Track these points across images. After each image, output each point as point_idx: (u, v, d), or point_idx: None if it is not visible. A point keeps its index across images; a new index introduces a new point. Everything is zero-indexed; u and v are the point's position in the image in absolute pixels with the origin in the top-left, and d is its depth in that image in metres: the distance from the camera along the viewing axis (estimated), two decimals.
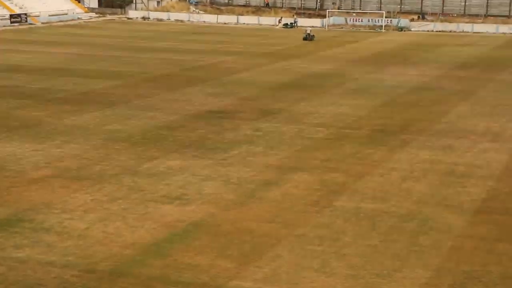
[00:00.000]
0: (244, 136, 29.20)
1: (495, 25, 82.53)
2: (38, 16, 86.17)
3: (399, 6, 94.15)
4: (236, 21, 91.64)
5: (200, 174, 23.62)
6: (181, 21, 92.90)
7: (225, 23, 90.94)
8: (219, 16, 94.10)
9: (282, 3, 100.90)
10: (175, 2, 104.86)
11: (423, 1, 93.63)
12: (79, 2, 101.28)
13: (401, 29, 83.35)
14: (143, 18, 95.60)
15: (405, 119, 33.13)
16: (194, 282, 15.63)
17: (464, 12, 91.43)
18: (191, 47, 62.48)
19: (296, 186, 22.62)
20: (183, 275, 15.94)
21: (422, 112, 34.88)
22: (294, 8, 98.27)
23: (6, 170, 23.82)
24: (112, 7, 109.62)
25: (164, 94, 38.72)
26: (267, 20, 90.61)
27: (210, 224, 19.11)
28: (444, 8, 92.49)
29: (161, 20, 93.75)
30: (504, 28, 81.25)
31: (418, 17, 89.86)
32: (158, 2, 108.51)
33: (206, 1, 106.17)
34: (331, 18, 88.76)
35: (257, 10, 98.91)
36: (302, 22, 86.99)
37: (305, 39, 70.37)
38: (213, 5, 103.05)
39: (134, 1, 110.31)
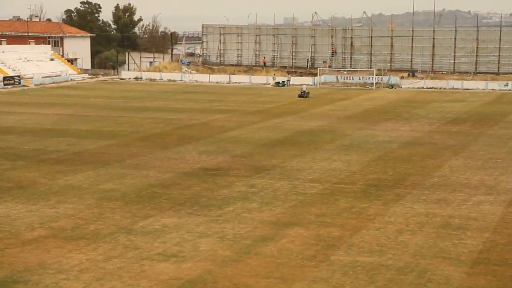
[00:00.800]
0: (238, 193, 29.18)
1: (484, 82, 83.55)
2: (32, 78, 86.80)
3: (389, 64, 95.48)
4: (228, 80, 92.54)
5: (196, 231, 23.52)
6: (174, 81, 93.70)
7: (217, 82, 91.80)
8: (211, 75, 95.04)
9: (274, 62, 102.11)
10: (167, 63, 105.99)
11: (412, 59, 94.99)
12: (72, 63, 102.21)
13: (391, 86, 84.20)
14: (136, 78, 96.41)
15: (399, 173, 33.25)
16: None
17: (454, 69, 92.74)
18: (183, 106, 62.88)
19: (292, 241, 22.53)
20: None
21: (415, 166, 35.03)
22: (285, 67, 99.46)
23: (0, 232, 23.66)
24: (105, 68, 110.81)
25: (158, 152, 38.79)
26: (259, 79, 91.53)
27: (207, 281, 18.95)
28: (433, 65, 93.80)
29: (153, 80, 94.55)
30: (493, 85, 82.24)
31: (408, 74, 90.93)
32: (150, 63, 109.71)
33: (198, 61, 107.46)
34: (322, 76, 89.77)
35: (249, 69, 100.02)
36: (294, 80, 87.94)
37: (300, 96, 71.34)
38: (205, 65, 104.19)
39: (126, 62, 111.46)
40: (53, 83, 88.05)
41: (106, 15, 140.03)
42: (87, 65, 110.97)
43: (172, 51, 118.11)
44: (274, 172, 33.60)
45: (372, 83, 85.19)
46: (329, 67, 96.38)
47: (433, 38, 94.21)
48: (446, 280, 19.04)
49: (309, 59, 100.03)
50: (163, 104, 65.22)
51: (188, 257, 20.88)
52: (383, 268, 19.96)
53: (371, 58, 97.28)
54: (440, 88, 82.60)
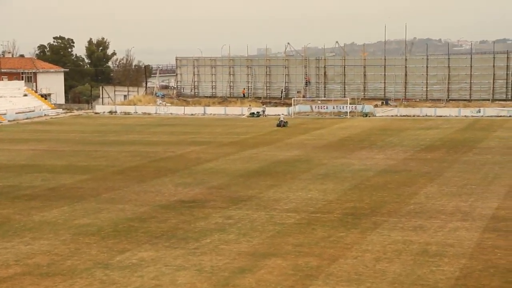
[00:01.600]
0: (215, 224, 29.08)
1: (457, 109, 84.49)
2: (5, 114, 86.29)
3: (362, 93, 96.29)
4: (203, 112, 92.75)
5: (173, 264, 23.37)
6: (148, 113, 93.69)
7: (192, 114, 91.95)
8: (186, 107, 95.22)
9: (248, 93, 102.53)
10: (141, 96, 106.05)
11: (386, 87, 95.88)
12: (45, 99, 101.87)
13: (365, 114, 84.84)
14: (110, 112, 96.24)
15: (375, 201, 33.37)
16: None
17: (426, 97, 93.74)
18: (159, 139, 62.81)
19: (270, 272, 22.46)
20: None
21: (391, 194, 35.19)
22: (259, 98, 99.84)
23: None
24: (79, 102, 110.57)
25: (134, 186, 38.62)
26: (234, 110, 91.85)
27: None
28: (406, 93, 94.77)
29: (128, 113, 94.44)
30: (466, 111, 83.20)
31: (382, 102, 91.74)
32: (124, 96, 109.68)
33: (173, 94, 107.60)
34: (297, 106, 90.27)
35: (224, 101, 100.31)
36: (269, 111, 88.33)
37: (278, 125, 71.82)
38: (180, 97, 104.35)
39: (101, 96, 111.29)
40: (27, 118, 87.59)
41: (79, 50, 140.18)
42: (61, 100, 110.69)
43: (146, 84, 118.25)
44: (251, 203, 33.56)
45: (346, 112, 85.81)
46: (303, 97, 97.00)
47: (405, 66, 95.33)
48: None
49: (283, 89, 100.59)
50: (138, 137, 65.09)
51: None
52: None
53: (344, 87, 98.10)
54: (414, 116, 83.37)
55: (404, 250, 24.75)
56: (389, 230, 27.58)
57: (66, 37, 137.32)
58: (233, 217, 30.49)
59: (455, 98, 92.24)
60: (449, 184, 37.75)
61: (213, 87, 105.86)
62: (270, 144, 57.68)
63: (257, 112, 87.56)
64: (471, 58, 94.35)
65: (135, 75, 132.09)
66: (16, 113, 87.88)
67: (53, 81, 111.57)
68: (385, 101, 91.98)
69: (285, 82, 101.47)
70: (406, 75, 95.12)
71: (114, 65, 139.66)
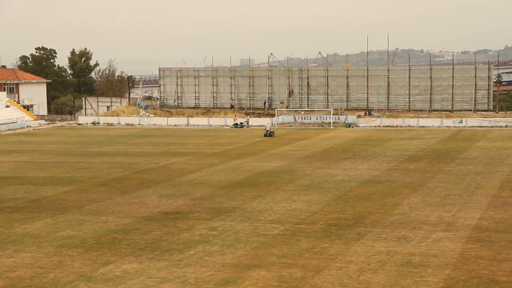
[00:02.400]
0: (199, 236, 29.00)
1: (439, 119, 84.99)
2: None
3: (345, 103, 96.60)
4: (186, 123, 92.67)
5: (157, 277, 23.27)
6: (132, 124, 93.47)
7: (175, 125, 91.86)
8: (169, 118, 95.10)
9: (232, 104, 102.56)
10: (124, 107, 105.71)
11: (368, 98, 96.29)
12: (28, 110, 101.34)
13: (349, 125, 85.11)
14: (93, 123, 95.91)
15: (359, 212, 33.43)
16: None
17: (409, 107, 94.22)
18: (142, 150, 62.63)
19: (255, 283, 22.41)
20: None
21: (375, 204, 35.26)
22: (243, 108, 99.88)
23: None
24: (62, 113, 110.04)
25: (117, 197, 38.45)
26: (217, 121, 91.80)
27: None
28: (389, 104, 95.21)
29: (111, 124, 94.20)
30: (448, 122, 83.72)
31: (365, 113, 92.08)
32: (107, 107, 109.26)
33: (156, 104, 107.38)
34: (280, 116, 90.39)
35: (207, 112, 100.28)
36: (252, 121, 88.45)
37: (265, 135, 72.24)
38: (163, 108, 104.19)
39: (83, 107, 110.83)
40: (9, 130, 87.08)
41: (62, 61, 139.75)
42: (44, 111, 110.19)
43: (129, 95, 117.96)
44: (235, 214, 33.51)
45: (330, 123, 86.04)
46: (287, 107, 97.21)
47: (388, 77, 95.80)
48: None
49: (267, 100, 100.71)
50: (121, 148, 64.87)
51: None
52: None
53: (327, 97, 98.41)
54: (397, 126, 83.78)
55: (388, 261, 24.80)
56: (373, 241, 27.62)
57: (49, 48, 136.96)
58: (217, 228, 30.43)
59: (437, 109, 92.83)
60: (432, 194, 37.90)
61: (197, 98, 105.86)
62: (254, 155, 57.67)
63: (241, 123, 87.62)
64: (453, 68, 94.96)
65: (118, 86, 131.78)
66: None
67: (36, 92, 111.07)
68: (368, 112, 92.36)
69: (269, 92, 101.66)
70: (388, 85, 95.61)
71: (97, 76, 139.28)
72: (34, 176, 47.35)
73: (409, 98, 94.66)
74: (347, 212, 33.36)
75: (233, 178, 45.07)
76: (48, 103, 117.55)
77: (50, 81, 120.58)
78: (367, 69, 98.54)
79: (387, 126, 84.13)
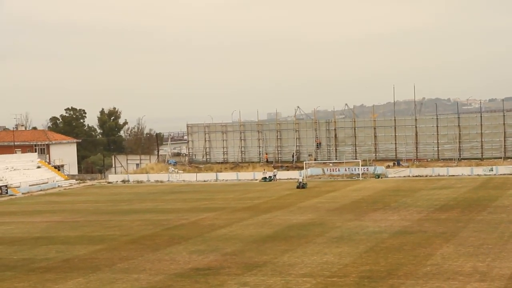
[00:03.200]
0: None
1: (469, 168, 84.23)
2: (19, 186, 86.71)
3: (374, 154, 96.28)
4: (215, 178, 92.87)
5: None
6: (161, 181, 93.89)
7: (204, 181, 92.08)
8: (198, 174, 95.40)
9: (260, 158, 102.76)
10: (154, 164, 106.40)
11: (397, 148, 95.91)
12: (59, 170, 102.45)
13: (378, 176, 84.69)
14: (123, 181, 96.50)
15: (391, 263, 33.08)
16: None
17: (438, 156, 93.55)
18: (172, 206, 62.82)
19: None
20: None
21: (407, 256, 34.88)
22: (271, 162, 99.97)
23: None
24: (92, 172, 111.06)
25: (148, 254, 38.47)
26: (246, 175, 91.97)
27: None
28: (418, 153, 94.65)
29: (141, 182, 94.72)
30: (478, 170, 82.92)
31: (394, 163, 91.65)
32: (137, 165, 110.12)
33: (185, 161, 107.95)
34: (309, 169, 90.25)
35: (235, 166, 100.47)
36: (281, 175, 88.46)
37: (298, 187, 72.77)
38: (192, 164, 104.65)
39: (113, 165, 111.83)
40: (41, 190, 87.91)
41: (91, 120, 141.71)
42: (74, 170, 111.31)
43: (158, 152, 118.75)
44: (266, 268, 33.33)
45: (359, 174, 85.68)
46: (315, 159, 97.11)
47: (416, 127, 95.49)
48: None
49: (295, 153, 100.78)
50: (151, 205, 65.13)
51: None
52: None
53: (355, 148, 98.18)
54: (426, 176, 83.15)
55: None
56: None
57: (78, 108, 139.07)
58: (249, 283, 30.26)
59: (467, 157, 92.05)
60: (465, 244, 37.41)
61: (225, 152, 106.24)
62: (283, 208, 57.54)
63: (269, 177, 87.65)
64: (481, 116, 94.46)
65: (147, 144, 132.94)
66: (30, 185, 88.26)
67: (66, 152, 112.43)
68: (397, 162, 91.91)
69: (296, 145, 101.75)
70: (416, 135, 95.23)
71: (126, 134, 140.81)
72: (66, 236, 47.61)
73: (438, 147, 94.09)
74: (379, 264, 33.01)
75: (263, 232, 44.93)
76: (79, 163, 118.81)
77: (80, 140, 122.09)
78: (395, 119, 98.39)
79: (416, 176, 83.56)
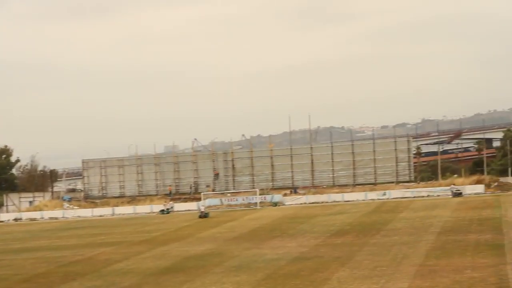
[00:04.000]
0: None
1: (363, 193, 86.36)
2: None
3: (271, 183, 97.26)
4: (112, 213, 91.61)
5: None
6: (56, 218, 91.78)
7: (100, 216, 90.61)
8: (94, 209, 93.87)
9: (157, 190, 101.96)
10: (48, 201, 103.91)
11: (294, 176, 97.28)
12: None
13: (275, 204, 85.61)
14: (15, 219, 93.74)
15: None
16: None
17: (334, 183, 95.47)
18: (67, 243, 61.29)
19: None
20: None
21: (304, 281, 35.15)
22: (169, 194, 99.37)
23: None
24: None
25: None
26: (143, 209, 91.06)
27: None
28: (314, 181, 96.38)
29: (34, 219, 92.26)
30: (372, 195, 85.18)
31: (291, 191, 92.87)
32: (30, 202, 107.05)
33: (80, 196, 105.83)
34: (207, 200, 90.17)
35: (132, 200, 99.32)
36: (179, 207, 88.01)
37: (200, 217, 72.36)
38: (88, 199, 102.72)
39: (5, 204, 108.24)
40: None
41: None
42: None
43: (52, 188, 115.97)
44: None
45: (256, 203, 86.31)
46: (213, 190, 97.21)
47: (311, 155, 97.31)
48: None
49: (192, 185, 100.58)
50: (45, 242, 63.30)
51: None
52: None
53: (253, 178, 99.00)
54: (322, 202, 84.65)
55: None
56: None
57: None
58: None
59: (361, 183, 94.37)
60: (360, 267, 38.08)
61: (121, 186, 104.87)
62: (181, 239, 57.10)
63: (166, 209, 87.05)
64: (373, 142, 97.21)
65: (40, 181, 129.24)
66: None
67: None
68: (294, 190, 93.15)
69: (194, 177, 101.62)
70: (312, 163, 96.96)
71: (18, 171, 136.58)
72: None
73: (333, 174, 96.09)
74: None
75: (161, 264, 44.35)
76: None
77: None
78: (291, 148, 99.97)
79: (313, 203, 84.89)
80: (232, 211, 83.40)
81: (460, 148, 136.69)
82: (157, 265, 44.15)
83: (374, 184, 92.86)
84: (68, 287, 38.40)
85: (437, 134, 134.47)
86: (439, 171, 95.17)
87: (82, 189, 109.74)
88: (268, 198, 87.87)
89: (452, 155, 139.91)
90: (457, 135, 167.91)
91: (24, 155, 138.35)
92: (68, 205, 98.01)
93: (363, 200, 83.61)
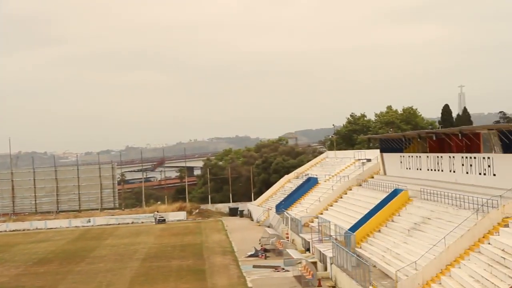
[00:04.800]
0: None
1: (67, 220, 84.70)
2: None
3: None
4: None
5: None
6: None
7: None
8: None
9: None
10: None
11: None
12: None
13: None
14: None
15: None
16: None
17: (36, 210, 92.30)
18: None
19: None
20: None
21: None
22: None
23: None
24: None
25: None
26: None
27: None
28: (15, 208, 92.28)
29: None
30: (76, 222, 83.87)
31: None
32: None
33: None
34: None
35: None
36: None
37: None
38: None
39: None
40: None
41: None
42: None
43: None
44: None
45: None
46: None
47: (12, 180, 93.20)
48: None
49: None
50: None
51: None
52: None
53: None
54: (24, 230, 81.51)
55: None
56: None
57: None
58: None
59: (65, 209, 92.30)
60: None
61: None
62: None
63: None
64: (77, 169, 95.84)
65: None
66: None
67: None
68: None
69: None
70: (13, 189, 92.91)
71: None
72: None
73: (36, 200, 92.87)
74: None
75: None
76: None
77: None
78: None
79: (14, 231, 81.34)
80: None
81: (163, 176, 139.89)
82: None
83: (79, 211, 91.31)
84: None
85: (140, 161, 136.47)
86: (143, 198, 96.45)
87: None
88: None
89: (156, 182, 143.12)
90: (160, 163, 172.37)
91: None
92: None
93: (67, 227, 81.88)
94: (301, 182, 72.91)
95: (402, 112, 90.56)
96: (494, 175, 36.34)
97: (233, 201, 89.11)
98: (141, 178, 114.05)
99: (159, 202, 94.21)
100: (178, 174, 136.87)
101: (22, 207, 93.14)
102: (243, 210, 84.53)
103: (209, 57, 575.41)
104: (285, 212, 62.48)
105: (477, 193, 35.32)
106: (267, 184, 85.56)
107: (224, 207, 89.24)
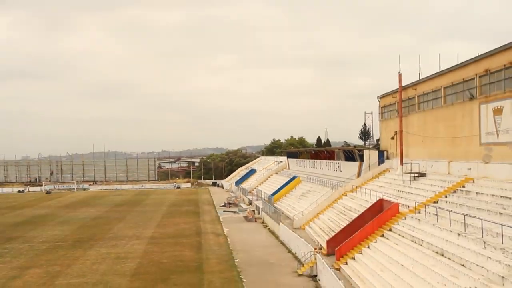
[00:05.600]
0: None
1: (131, 185, 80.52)
2: None
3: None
4: None
5: None
6: None
7: None
8: None
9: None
10: None
11: None
12: None
13: (84, 189, 77.27)
14: None
15: (90, 233, 31.23)
16: None
17: (116, 179, 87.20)
18: None
19: (32, 276, 19.50)
20: None
21: (99, 229, 33.17)
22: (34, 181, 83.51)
23: None
24: None
25: None
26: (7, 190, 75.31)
27: None
28: (106, 177, 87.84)
29: None
30: (136, 186, 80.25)
31: (93, 182, 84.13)
32: None
33: None
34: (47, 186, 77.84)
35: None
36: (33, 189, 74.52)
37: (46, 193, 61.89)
38: None
39: None
40: None
41: None
42: None
43: None
44: (19, 240, 28.65)
45: (74, 188, 77.06)
46: (50, 181, 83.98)
47: (105, 166, 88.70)
48: (118, 285, 18.80)
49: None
50: None
51: None
52: (85, 284, 18.84)
53: (72, 175, 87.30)
54: (109, 189, 78.28)
55: (107, 256, 23.80)
56: (99, 247, 25.78)
57: None
58: (7, 248, 25.83)
59: (130, 179, 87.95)
60: (130, 222, 35.71)
61: None
62: (30, 207, 49.05)
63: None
64: (137, 160, 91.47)
65: None
66: None
67: None
68: (95, 181, 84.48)
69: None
70: (105, 169, 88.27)
71: None
72: None
73: (116, 174, 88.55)
74: (84, 234, 30.44)
75: (16, 219, 38.10)
76: None
77: None
78: None
79: (104, 190, 77.91)
80: (61, 193, 74.12)
81: (180, 166, 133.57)
82: (14, 220, 38.12)
83: (137, 180, 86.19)
84: None
85: (169, 157, 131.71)
86: (169, 176, 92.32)
87: None
88: (80, 186, 79.25)
89: (176, 168, 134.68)
90: (178, 158, 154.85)
91: None
92: None
93: (130, 188, 78.03)
94: (248, 171, 71.21)
95: (297, 138, 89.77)
96: (341, 171, 35.73)
97: (214, 179, 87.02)
98: (169, 166, 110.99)
99: (177, 178, 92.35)
100: (187, 164, 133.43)
101: (108, 177, 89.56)
102: (219, 184, 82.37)
103: None
104: (240, 185, 61.81)
105: (333, 179, 34.77)
106: (231, 171, 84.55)
107: (209, 182, 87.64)
